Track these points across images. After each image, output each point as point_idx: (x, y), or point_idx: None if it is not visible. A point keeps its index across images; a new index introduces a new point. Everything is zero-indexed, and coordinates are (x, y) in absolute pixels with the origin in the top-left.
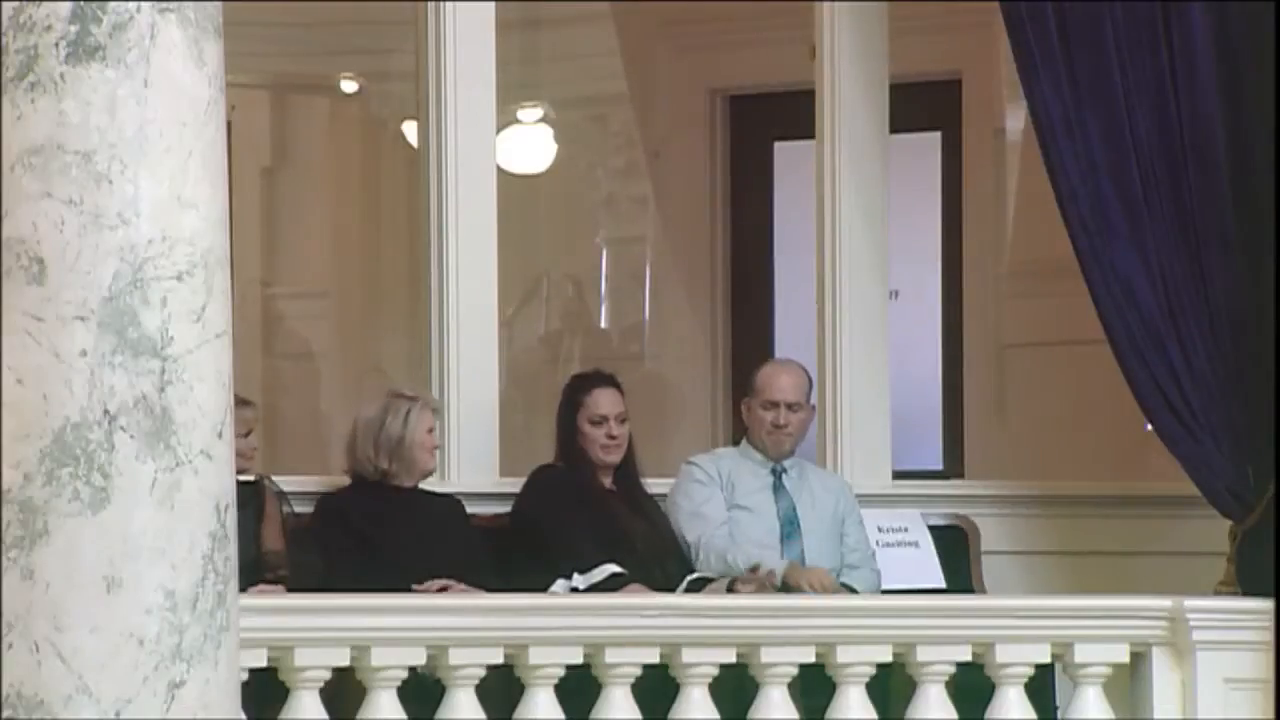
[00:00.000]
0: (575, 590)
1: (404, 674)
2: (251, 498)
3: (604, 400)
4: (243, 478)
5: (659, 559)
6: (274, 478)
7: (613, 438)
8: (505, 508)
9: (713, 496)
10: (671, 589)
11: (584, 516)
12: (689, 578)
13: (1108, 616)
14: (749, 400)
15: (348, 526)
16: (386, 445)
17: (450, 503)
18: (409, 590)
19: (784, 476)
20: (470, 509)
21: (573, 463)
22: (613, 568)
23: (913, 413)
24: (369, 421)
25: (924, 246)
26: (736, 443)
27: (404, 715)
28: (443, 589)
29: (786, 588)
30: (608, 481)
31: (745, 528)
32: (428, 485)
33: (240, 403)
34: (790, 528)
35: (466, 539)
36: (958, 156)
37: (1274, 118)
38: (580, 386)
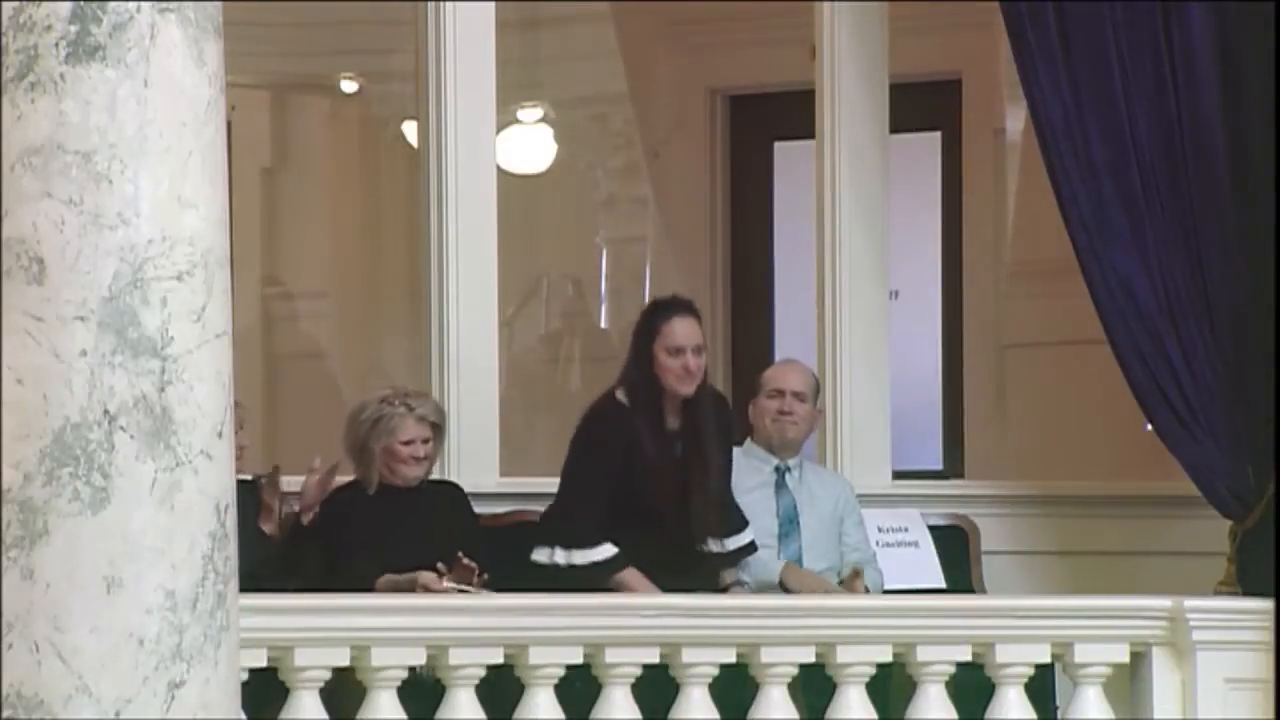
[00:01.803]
0: (572, 566)
1: (404, 674)
2: (248, 495)
3: (682, 330)
4: (240, 477)
5: (700, 522)
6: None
7: (688, 370)
8: (506, 508)
9: None
10: (707, 553)
11: (614, 485)
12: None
13: (1108, 616)
14: (755, 398)
15: (348, 524)
16: (352, 448)
17: (449, 490)
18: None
19: (787, 475)
20: None
21: (638, 393)
22: (611, 550)
23: (913, 413)
24: (348, 418)
25: (924, 246)
26: (739, 443)
27: (404, 715)
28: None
29: (784, 588)
30: (673, 419)
31: None
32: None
33: None
34: (789, 526)
35: (467, 529)
36: (958, 156)
37: (1274, 118)
38: (658, 313)
